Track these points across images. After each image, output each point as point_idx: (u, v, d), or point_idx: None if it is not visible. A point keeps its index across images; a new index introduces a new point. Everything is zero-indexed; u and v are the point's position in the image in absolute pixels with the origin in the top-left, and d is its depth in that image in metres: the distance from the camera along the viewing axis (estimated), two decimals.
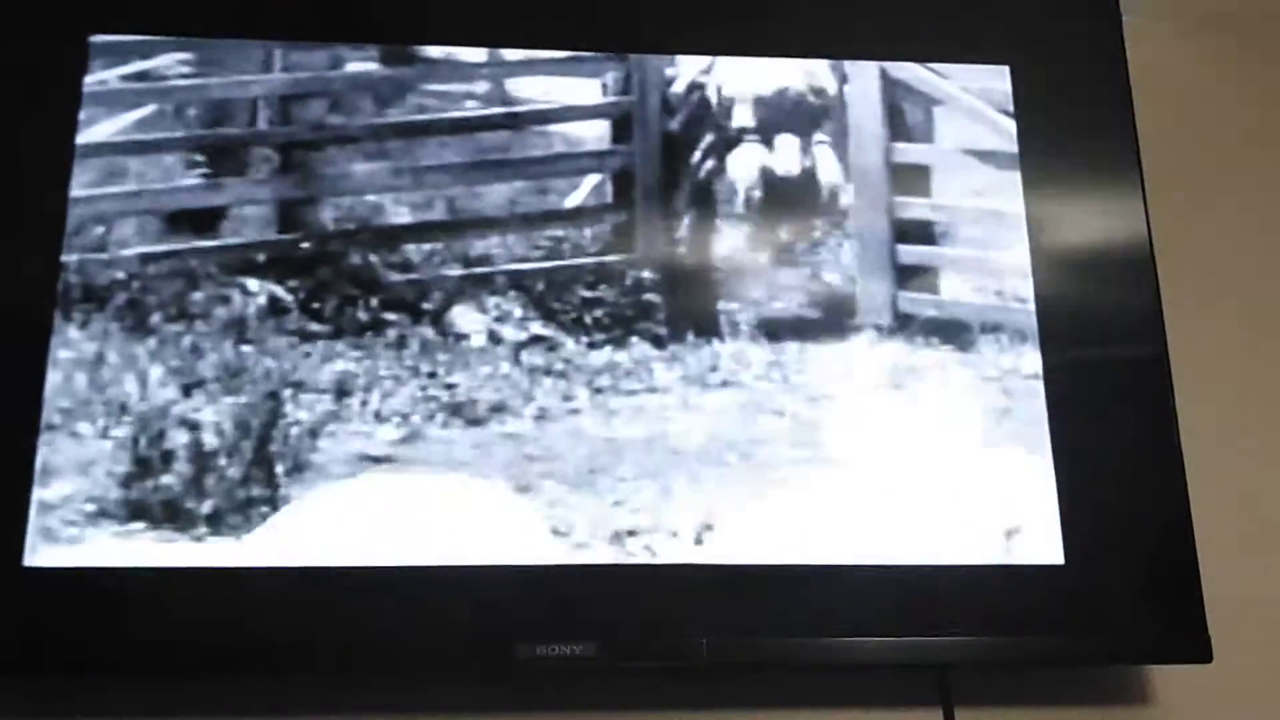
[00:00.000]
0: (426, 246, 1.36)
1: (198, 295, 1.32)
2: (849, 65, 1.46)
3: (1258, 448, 1.51)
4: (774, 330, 1.38)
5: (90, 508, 1.24)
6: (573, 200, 1.41)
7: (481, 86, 1.43)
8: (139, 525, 1.24)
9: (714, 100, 1.45)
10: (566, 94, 1.44)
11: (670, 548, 1.28)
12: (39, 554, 1.22)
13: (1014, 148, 1.44)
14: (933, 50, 1.47)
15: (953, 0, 1.50)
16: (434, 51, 1.43)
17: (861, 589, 1.28)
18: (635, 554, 1.27)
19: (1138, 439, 1.35)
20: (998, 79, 1.47)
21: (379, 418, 1.30)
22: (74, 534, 1.23)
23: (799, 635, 1.26)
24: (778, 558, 1.29)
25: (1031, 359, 1.38)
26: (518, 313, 1.36)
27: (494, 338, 1.35)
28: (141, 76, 1.38)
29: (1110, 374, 1.38)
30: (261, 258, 1.34)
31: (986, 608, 1.29)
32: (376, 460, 1.28)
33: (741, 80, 1.46)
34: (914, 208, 1.44)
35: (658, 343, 1.36)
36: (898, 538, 1.31)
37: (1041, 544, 1.31)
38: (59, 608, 1.21)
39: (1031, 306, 1.39)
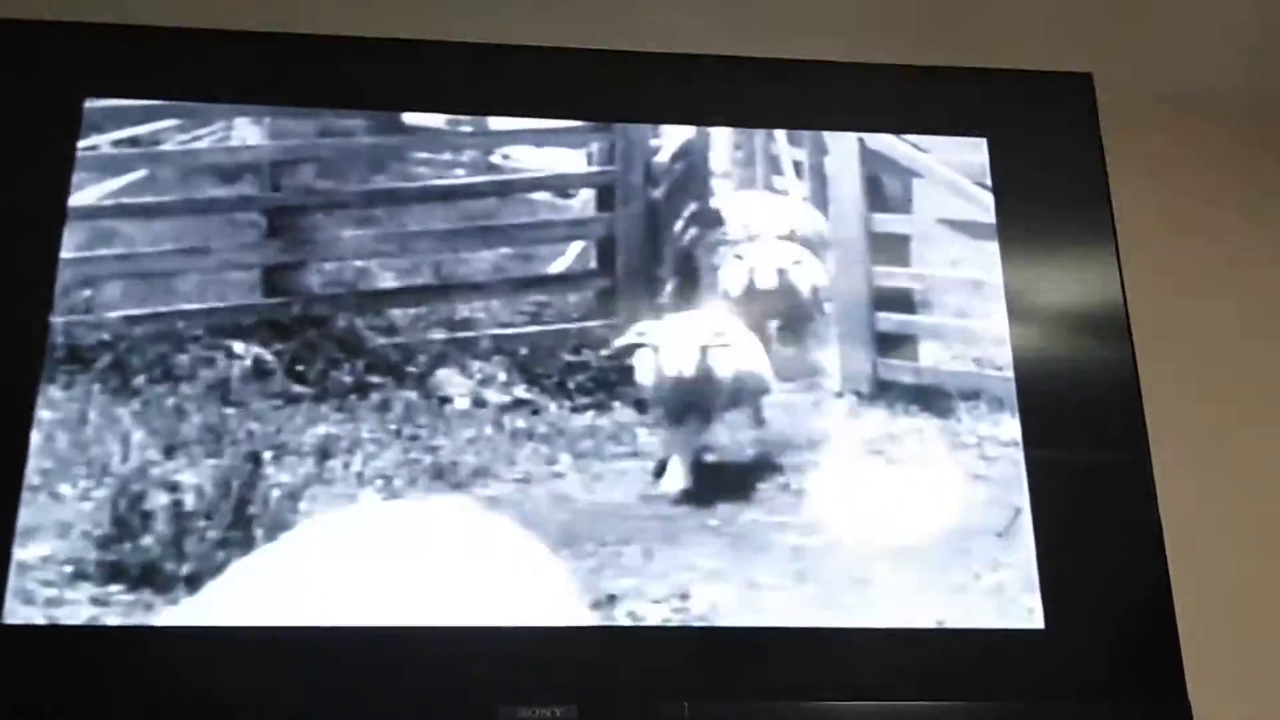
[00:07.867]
0: (412, 311, 1.37)
1: (182, 358, 1.32)
2: (829, 137, 1.49)
3: (1237, 513, 1.52)
4: (755, 395, 1.39)
5: (68, 569, 1.23)
6: (557, 266, 1.43)
7: (468, 155, 1.45)
8: (116, 588, 1.23)
9: (696, 171, 1.47)
10: (552, 163, 1.46)
11: (653, 611, 1.27)
12: (17, 615, 1.21)
13: (991, 219, 1.47)
14: (912, 123, 1.50)
15: (932, 74, 1.54)
16: (422, 120, 1.45)
17: (842, 653, 1.28)
18: (618, 617, 1.27)
19: (1117, 505, 1.36)
20: (975, 151, 1.50)
21: (361, 480, 1.30)
22: (52, 595, 1.21)
23: (780, 699, 1.26)
24: (759, 621, 1.28)
25: (1009, 426, 1.39)
26: (501, 376, 1.36)
27: (478, 401, 1.35)
28: (133, 142, 1.40)
29: (1088, 440, 1.39)
30: (247, 321, 1.34)
31: (967, 672, 1.29)
32: (358, 522, 1.28)
33: (722, 151, 1.48)
34: (893, 277, 1.46)
35: (640, 407, 1.37)
36: (878, 603, 1.31)
37: (1022, 608, 1.31)
38: (36, 666, 1.20)
39: (1009, 374, 1.41)
